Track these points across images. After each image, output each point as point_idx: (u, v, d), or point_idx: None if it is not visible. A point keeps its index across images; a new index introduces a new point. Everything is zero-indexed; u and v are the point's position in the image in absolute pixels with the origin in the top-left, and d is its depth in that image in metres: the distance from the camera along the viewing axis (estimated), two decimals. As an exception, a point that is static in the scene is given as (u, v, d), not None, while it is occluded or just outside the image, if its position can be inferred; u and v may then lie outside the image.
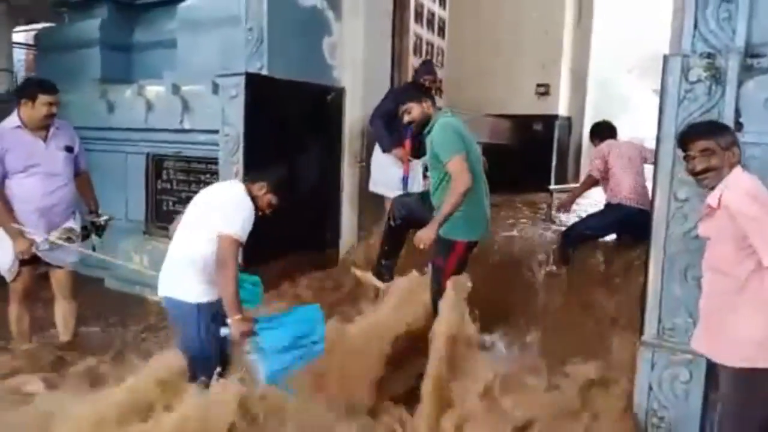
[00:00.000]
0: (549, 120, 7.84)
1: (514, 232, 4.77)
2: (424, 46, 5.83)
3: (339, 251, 4.77)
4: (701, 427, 2.50)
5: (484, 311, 3.11)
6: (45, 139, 3.33)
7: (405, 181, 4.41)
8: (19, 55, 9.14)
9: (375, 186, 4.65)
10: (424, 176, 4.39)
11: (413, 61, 5.43)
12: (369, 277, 3.56)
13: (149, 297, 4.38)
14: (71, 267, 3.54)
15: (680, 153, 2.29)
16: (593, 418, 2.59)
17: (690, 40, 2.46)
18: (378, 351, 2.97)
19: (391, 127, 4.38)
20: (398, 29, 5.33)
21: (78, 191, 3.56)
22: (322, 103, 4.55)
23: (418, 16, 5.66)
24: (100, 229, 3.61)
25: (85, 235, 3.55)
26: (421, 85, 4.24)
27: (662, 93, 2.49)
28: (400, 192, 4.38)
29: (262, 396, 2.53)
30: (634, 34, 10.51)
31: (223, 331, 2.54)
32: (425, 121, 3.23)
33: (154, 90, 4.87)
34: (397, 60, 5.26)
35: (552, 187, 6.49)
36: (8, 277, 3.37)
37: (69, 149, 3.44)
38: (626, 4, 9.84)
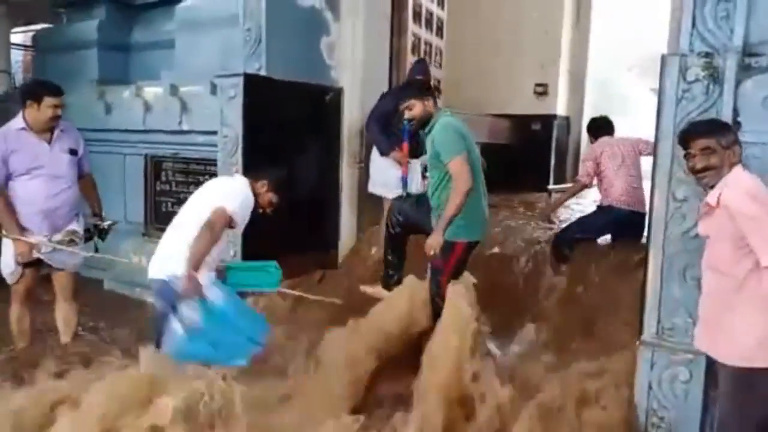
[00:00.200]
0: (548, 120, 7.84)
1: (513, 233, 4.76)
2: (423, 46, 5.83)
3: (338, 252, 4.76)
4: (701, 427, 2.50)
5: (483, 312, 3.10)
6: (49, 142, 3.34)
7: (404, 181, 4.40)
8: (17, 56, 9.13)
9: (374, 187, 4.64)
10: (423, 176, 4.38)
11: (411, 61, 5.42)
12: (379, 291, 3.53)
13: (149, 299, 4.37)
14: (73, 269, 3.54)
15: (680, 151, 2.29)
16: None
17: (688, 40, 2.46)
18: (372, 357, 2.95)
19: (388, 130, 4.38)
20: (396, 29, 5.32)
21: (82, 194, 3.57)
22: (320, 104, 4.54)
23: (417, 16, 5.66)
24: (103, 233, 3.62)
25: (87, 237, 3.56)
26: (424, 83, 4.22)
27: (660, 92, 2.48)
28: (399, 192, 4.39)
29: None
30: (633, 33, 10.52)
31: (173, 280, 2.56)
32: (425, 120, 3.22)
33: (152, 91, 4.87)
34: (396, 60, 5.25)
35: (551, 186, 6.50)
36: (10, 279, 3.37)
37: (73, 152, 3.44)
38: (625, 4, 9.85)
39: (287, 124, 4.17)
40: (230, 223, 2.71)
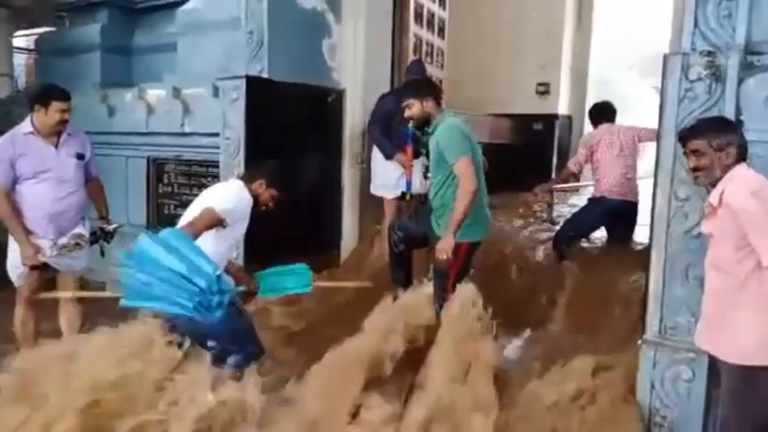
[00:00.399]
0: (549, 119, 7.84)
1: (515, 232, 4.76)
2: (424, 47, 5.83)
3: (340, 253, 4.77)
4: (704, 426, 2.50)
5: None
6: (56, 146, 3.36)
7: (408, 185, 4.40)
8: (20, 60, 9.15)
9: (376, 189, 4.64)
10: (425, 176, 4.38)
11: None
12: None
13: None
14: (79, 273, 3.56)
15: (682, 150, 2.30)
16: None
17: (690, 39, 2.45)
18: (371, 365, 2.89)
19: (390, 132, 4.37)
20: (398, 30, 5.33)
21: (89, 197, 3.60)
22: (322, 105, 4.55)
23: (418, 17, 5.66)
24: (108, 236, 3.63)
25: (93, 241, 3.57)
26: (429, 81, 4.19)
27: (662, 92, 2.48)
28: (397, 192, 4.39)
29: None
30: (634, 32, 10.53)
31: None
32: (424, 119, 3.22)
33: (154, 93, 4.88)
34: (397, 61, 5.25)
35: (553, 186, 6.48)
36: (16, 282, 3.39)
37: (80, 156, 3.46)
38: (627, 4, 9.85)
39: (289, 126, 4.18)
40: (222, 222, 2.70)
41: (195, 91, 4.55)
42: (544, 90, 7.88)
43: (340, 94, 4.68)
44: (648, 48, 9.56)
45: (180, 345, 2.52)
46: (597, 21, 8.34)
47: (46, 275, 3.46)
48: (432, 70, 5.93)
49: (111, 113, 5.10)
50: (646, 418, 2.57)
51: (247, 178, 2.92)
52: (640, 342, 2.61)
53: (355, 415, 2.58)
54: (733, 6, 2.38)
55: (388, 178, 4.49)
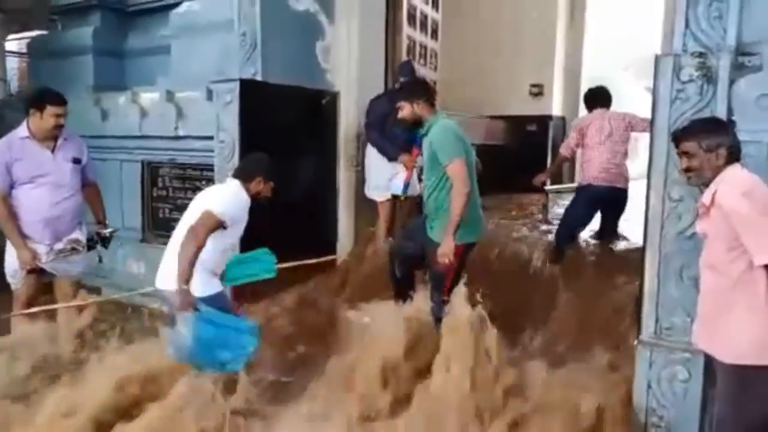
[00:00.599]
0: (543, 120, 7.85)
1: (511, 233, 4.77)
2: (418, 49, 5.84)
3: (336, 255, 4.76)
4: (700, 426, 2.51)
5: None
6: (53, 150, 3.36)
7: (406, 186, 4.39)
8: (12, 63, 9.11)
9: (369, 191, 4.64)
10: (419, 179, 4.38)
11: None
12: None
13: (147, 305, 4.37)
14: (75, 277, 3.55)
15: (675, 151, 2.31)
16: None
17: (681, 40, 2.47)
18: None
19: (386, 133, 4.37)
20: (391, 32, 5.33)
21: (87, 202, 3.59)
22: (316, 108, 4.55)
23: (411, 19, 5.67)
24: (105, 241, 3.63)
25: (90, 246, 3.56)
26: (424, 83, 4.19)
27: (654, 93, 2.50)
28: (388, 194, 4.38)
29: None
30: (629, 32, 10.56)
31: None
32: (415, 121, 3.24)
33: (148, 97, 4.86)
34: (391, 63, 5.26)
35: (548, 187, 6.50)
36: (13, 285, 3.38)
37: (77, 160, 3.47)
38: (620, 3, 9.88)
39: (284, 129, 4.18)
40: (222, 224, 2.70)
41: (189, 94, 4.54)
42: (538, 91, 7.90)
43: (334, 96, 4.67)
44: (644, 48, 9.58)
45: None
46: (590, 21, 8.35)
47: (43, 280, 3.45)
48: (425, 72, 5.94)
49: (104, 117, 5.08)
50: (643, 419, 2.58)
51: (244, 177, 2.90)
52: (636, 343, 2.62)
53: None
54: (724, 7, 2.39)
55: (381, 178, 4.48)
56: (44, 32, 7.10)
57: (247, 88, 3.95)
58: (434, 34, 6.26)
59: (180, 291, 2.55)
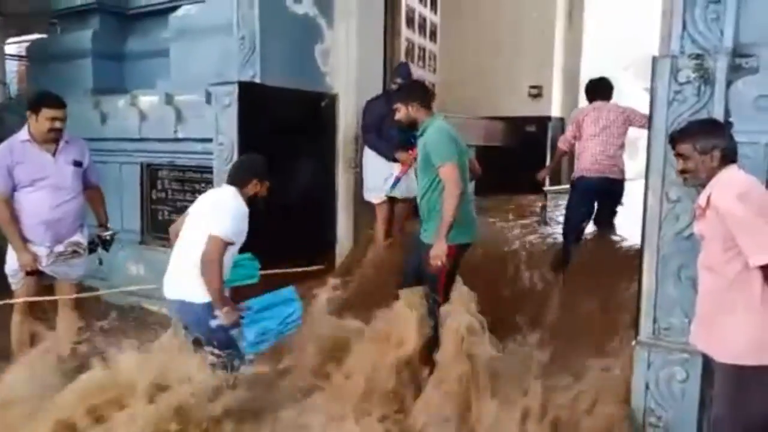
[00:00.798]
0: (542, 121, 7.86)
1: (510, 234, 4.77)
2: (416, 51, 5.85)
3: (335, 257, 4.77)
4: (698, 426, 2.51)
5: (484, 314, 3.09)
6: (54, 153, 3.35)
7: (396, 181, 4.39)
8: (12, 67, 9.14)
9: (367, 193, 4.63)
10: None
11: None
12: None
13: (146, 307, 4.39)
14: (75, 280, 3.55)
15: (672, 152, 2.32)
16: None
17: (679, 42, 2.48)
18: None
19: (383, 134, 4.38)
20: (390, 34, 5.35)
21: (89, 205, 3.59)
22: (315, 110, 4.56)
23: (410, 21, 5.68)
24: (106, 243, 3.63)
25: (91, 248, 3.57)
26: (421, 85, 4.19)
27: (652, 94, 2.51)
28: (383, 195, 4.41)
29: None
30: (628, 33, 10.56)
31: (213, 322, 2.72)
32: (410, 123, 3.26)
33: (147, 100, 4.87)
34: (389, 65, 5.27)
35: (546, 188, 6.50)
36: (14, 287, 3.39)
37: (78, 163, 3.45)
38: (619, 4, 9.88)
39: (283, 131, 4.18)
40: (230, 244, 2.76)
41: (188, 97, 4.55)
42: (537, 92, 7.90)
43: (332, 99, 4.68)
44: (643, 48, 9.59)
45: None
46: (589, 21, 8.35)
47: (43, 282, 3.46)
48: (424, 74, 5.95)
49: (104, 120, 5.09)
50: (641, 419, 2.59)
51: (240, 183, 2.90)
52: (634, 343, 2.63)
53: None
54: (721, 9, 2.40)
55: (377, 179, 4.48)
56: (44, 36, 7.13)
57: (246, 90, 3.96)
58: (433, 37, 6.27)
59: (224, 314, 2.69)
